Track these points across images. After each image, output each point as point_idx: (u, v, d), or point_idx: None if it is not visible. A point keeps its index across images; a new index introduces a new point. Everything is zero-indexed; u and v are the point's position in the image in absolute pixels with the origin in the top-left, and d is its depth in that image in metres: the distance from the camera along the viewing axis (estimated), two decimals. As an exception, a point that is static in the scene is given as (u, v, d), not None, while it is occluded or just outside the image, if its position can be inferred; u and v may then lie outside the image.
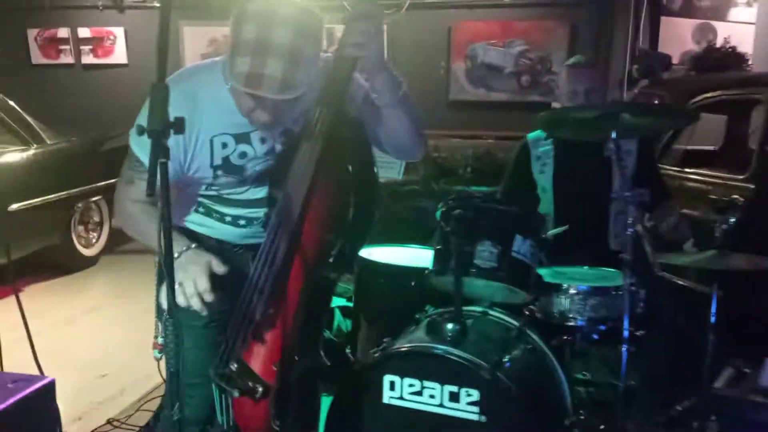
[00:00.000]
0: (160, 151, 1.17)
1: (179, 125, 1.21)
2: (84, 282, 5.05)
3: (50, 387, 1.62)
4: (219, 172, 1.68)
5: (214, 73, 1.61)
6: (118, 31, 6.96)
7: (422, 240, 3.97)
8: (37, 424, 1.59)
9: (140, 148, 1.59)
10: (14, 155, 4.57)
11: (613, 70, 6.02)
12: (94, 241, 5.32)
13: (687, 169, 3.49)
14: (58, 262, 5.04)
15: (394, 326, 2.36)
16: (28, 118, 4.83)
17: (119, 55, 7.02)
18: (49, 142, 4.83)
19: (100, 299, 4.76)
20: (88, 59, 7.09)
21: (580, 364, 2.30)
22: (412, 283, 2.46)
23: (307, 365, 1.63)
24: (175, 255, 1.49)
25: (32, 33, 7.12)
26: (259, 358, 1.68)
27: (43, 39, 7.13)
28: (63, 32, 7.06)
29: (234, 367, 1.70)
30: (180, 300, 1.50)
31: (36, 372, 2.25)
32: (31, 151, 4.68)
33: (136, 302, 4.40)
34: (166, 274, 1.22)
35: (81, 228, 5.18)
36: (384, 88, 1.62)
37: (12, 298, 4.32)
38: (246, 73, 1.44)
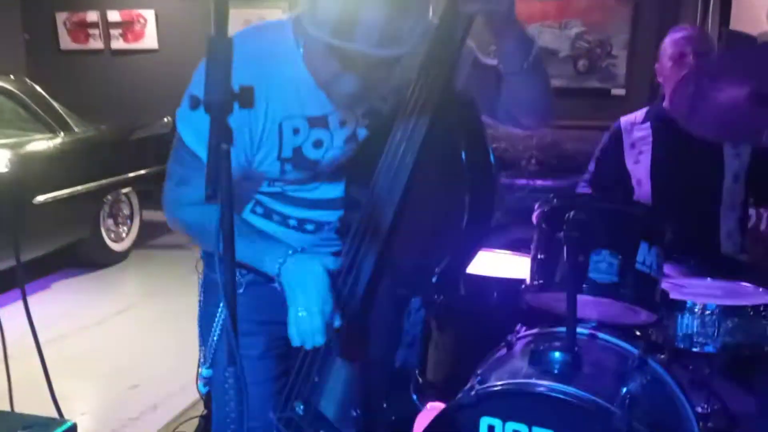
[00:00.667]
0: (222, 131, 0.80)
1: (247, 96, 0.84)
2: (114, 278, 4.78)
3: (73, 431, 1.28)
4: (287, 167, 1.31)
5: (283, 34, 1.25)
6: (149, 14, 6.65)
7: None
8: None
9: (194, 132, 1.23)
10: (41, 144, 4.30)
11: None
12: (124, 235, 5.05)
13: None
14: (86, 257, 4.78)
15: (473, 345, 2.02)
16: (56, 106, 4.56)
17: (149, 39, 6.72)
18: (77, 131, 4.56)
19: (130, 298, 4.48)
20: (117, 44, 6.80)
21: (701, 395, 1.92)
22: (495, 295, 2.10)
23: (399, 412, 1.27)
24: (276, 267, 1.17)
25: (61, 17, 6.85)
26: (334, 401, 1.32)
27: (71, 23, 6.86)
28: (92, 15, 6.78)
29: (300, 410, 1.35)
30: (299, 340, 1.20)
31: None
32: (59, 140, 4.41)
33: (169, 301, 4.12)
34: (225, 304, 0.86)
35: (110, 221, 4.90)
36: (514, 51, 1.25)
37: (32, 299, 4.07)
38: (335, 20, 1.07)
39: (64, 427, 1.27)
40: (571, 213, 1.58)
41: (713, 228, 2.30)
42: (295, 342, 1.21)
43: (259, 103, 1.21)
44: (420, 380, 2.28)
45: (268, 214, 1.42)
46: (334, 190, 1.39)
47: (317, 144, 1.31)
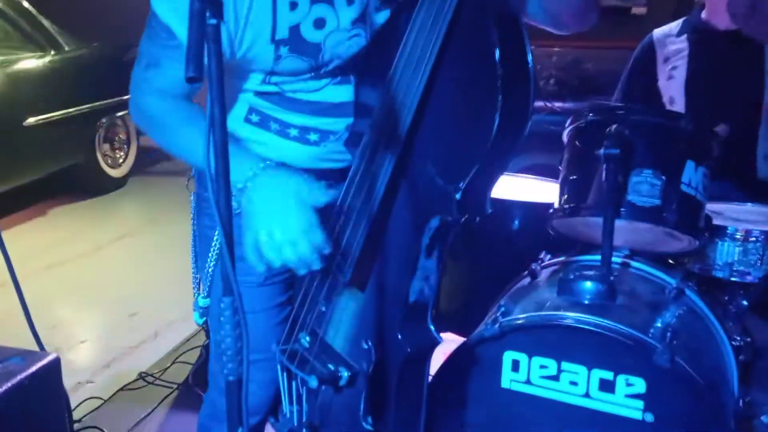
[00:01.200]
0: (206, 4, 0.63)
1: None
2: (112, 205, 4.64)
3: (54, 367, 1.15)
4: (282, 50, 1.10)
5: None
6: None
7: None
8: (39, 415, 1.13)
9: (169, 6, 1.04)
10: (29, 62, 4.08)
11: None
12: (121, 160, 4.87)
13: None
14: (83, 184, 4.62)
15: (490, 274, 1.89)
16: (45, 22, 4.29)
17: (143, -47, 6.35)
18: (67, 48, 4.31)
19: (130, 225, 4.35)
20: (109, -44, 6.43)
21: (737, 326, 1.79)
22: (515, 219, 1.95)
23: (414, 344, 1.13)
24: (239, 185, 0.98)
25: (49, -71, 6.46)
26: (342, 332, 1.19)
27: (60, -64, 6.47)
28: (82, -72, 6.39)
29: (306, 341, 1.22)
30: (272, 257, 1.01)
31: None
32: (48, 58, 4.18)
33: (169, 229, 3.99)
34: (220, 228, 0.70)
35: (107, 146, 4.72)
36: None
37: (29, 225, 3.93)
38: None
39: (46, 360, 1.13)
40: (612, 127, 1.41)
41: (750, 150, 2.12)
42: (275, 262, 1.04)
43: None
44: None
45: (264, 122, 1.23)
46: (342, 93, 1.21)
47: (319, 24, 1.11)
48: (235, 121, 1.23)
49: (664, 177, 1.43)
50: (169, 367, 2.42)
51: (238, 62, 1.12)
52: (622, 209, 1.45)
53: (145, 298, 3.15)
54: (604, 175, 1.37)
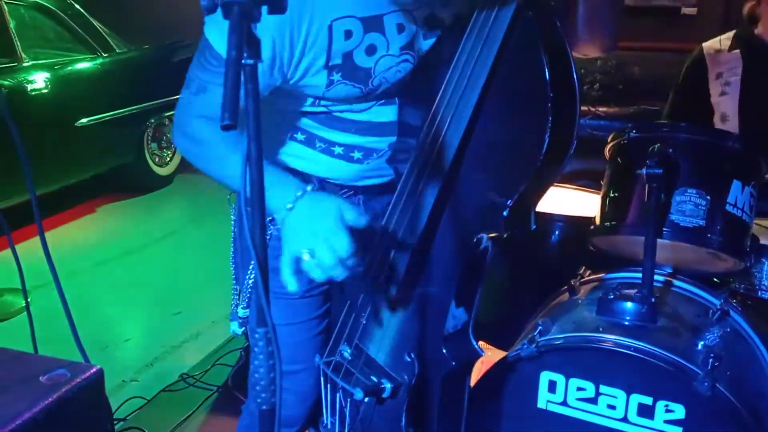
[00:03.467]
0: (243, 43, 0.64)
1: (277, 1, 0.67)
2: (159, 203, 4.75)
3: (97, 379, 1.19)
4: (335, 76, 1.13)
5: None
6: (191, -72, 6.37)
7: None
8: (83, 426, 1.17)
9: (220, 35, 1.06)
10: (81, 64, 4.20)
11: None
12: (168, 159, 4.99)
13: None
14: (131, 182, 4.76)
15: (527, 287, 1.87)
16: (97, 25, 4.42)
17: (192, -45, 6.46)
18: (117, 51, 4.43)
19: (175, 223, 4.45)
20: (160, -40, 6.57)
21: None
22: (556, 234, 1.93)
23: (458, 357, 1.14)
24: (288, 206, 1.01)
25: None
26: (384, 345, 1.20)
27: (112, -62, 6.63)
28: (133, -72, 6.53)
29: (348, 353, 1.24)
30: (316, 275, 1.02)
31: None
32: (100, 61, 4.30)
33: (213, 228, 4.07)
34: (255, 257, 0.72)
35: (154, 145, 4.83)
36: None
37: (79, 222, 4.05)
38: None
39: (89, 373, 1.17)
40: (655, 146, 1.38)
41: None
42: (319, 278, 1.05)
43: (305, 3, 1.04)
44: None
45: (310, 140, 1.25)
46: (386, 113, 1.22)
47: (370, 50, 1.12)
48: (282, 140, 1.25)
49: (709, 197, 1.40)
50: (209, 369, 2.47)
51: (290, 87, 1.14)
52: (665, 229, 1.42)
53: (188, 297, 3.23)
54: (646, 194, 1.35)
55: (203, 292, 3.24)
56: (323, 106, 1.20)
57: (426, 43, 1.16)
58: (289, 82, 1.12)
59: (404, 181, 1.15)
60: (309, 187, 1.07)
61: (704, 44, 2.20)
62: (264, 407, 0.77)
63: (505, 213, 1.05)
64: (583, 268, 1.72)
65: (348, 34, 1.09)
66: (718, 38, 2.19)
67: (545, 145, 0.99)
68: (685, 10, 5.18)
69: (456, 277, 1.14)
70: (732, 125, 2.09)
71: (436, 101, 1.09)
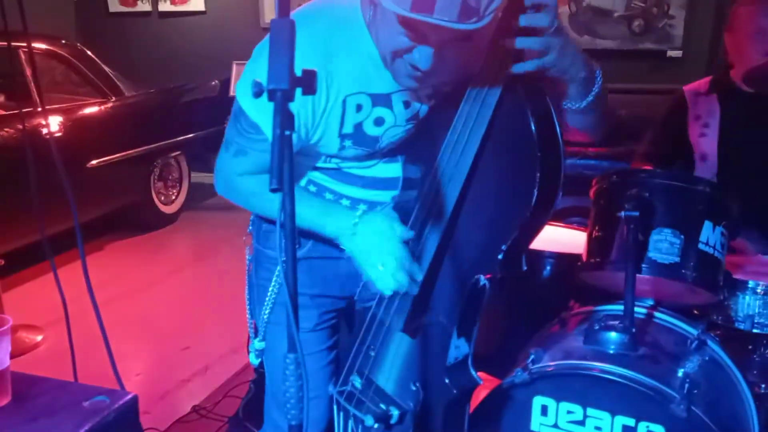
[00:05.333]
0: (285, 119, 0.79)
1: (310, 81, 0.82)
2: (165, 240, 4.89)
3: (133, 405, 1.32)
4: (347, 143, 1.30)
5: (352, 9, 1.23)
6: (196, -24, 6.64)
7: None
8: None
9: (257, 109, 1.23)
10: (93, 108, 4.37)
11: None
12: (173, 197, 5.14)
13: None
14: (138, 220, 4.89)
15: (523, 320, 2.00)
16: (107, 70, 4.61)
17: (197, 1, 6.70)
18: (127, 95, 4.60)
19: (181, 260, 4.58)
20: (165, 6, 6.80)
21: (762, 375, 1.86)
22: (548, 270, 2.07)
23: (459, 386, 1.27)
24: (350, 231, 1.23)
25: (109, -21, 6.89)
26: (392, 375, 1.33)
27: (120, -15, 6.89)
28: (140, -22, 6.80)
29: (358, 383, 1.37)
30: (392, 285, 1.21)
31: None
32: (110, 104, 4.47)
33: (218, 263, 4.21)
34: (288, 290, 0.86)
35: (160, 184, 4.99)
36: (576, 92, 1.24)
37: (91, 259, 4.18)
38: None
39: (126, 398, 1.29)
40: (633, 190, 1.54)
41: (775, 202, 2.20)
42: (391, 289, 1.22)
43: (325, 80, 1.21)
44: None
45: (320, 192, 1.41)
46: (391, 170, 1.37)
47: (378, 122, 1.29)
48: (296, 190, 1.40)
49: (683, 236, 1.55)
50: (220, 401, 2.58)
51: (308, 148, 1.31)
52: (644, 265, 1.56)
53: (195, 332, 3.34)
54: (625, 234, 1.50)
55: (210, 327, 3.35)
56: (334, 162, 1.36)
57: (425, 108, 1.32)
58: (307, 143, 1.29)
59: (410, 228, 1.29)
60: (359, 212, 1.25)
61: (685, 87, 2.37)
62: (293, 422, 0.90)
63: (500, 256, 1.18)
64: (573, 301, 1.86)
65: (359, 108, 1.26)
66: (698, 82, 2.36)
67: (534, 198, 1.13)
68: (671, 53, 5.40)
69: (456, 313, 1.27)
70: (711, 164, 2.24)
71: (438, 159, 1.24)
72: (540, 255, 2.05)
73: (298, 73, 0.83)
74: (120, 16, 6.97)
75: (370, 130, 1.29)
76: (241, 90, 1.24)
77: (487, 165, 1.18)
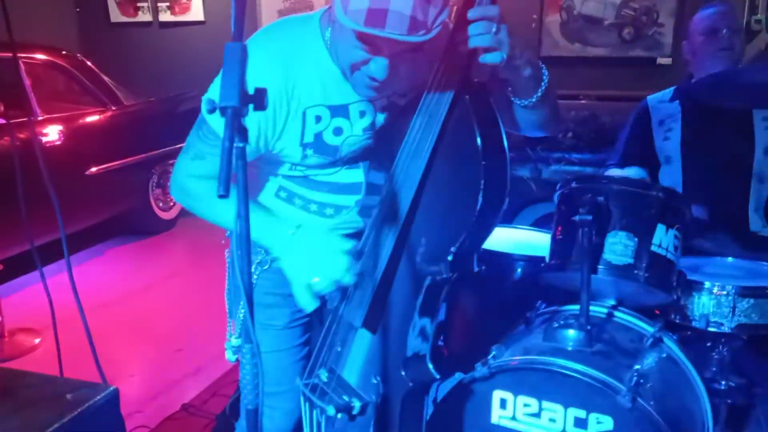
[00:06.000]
0: (235, 133, 0.88)
1: (260, 99, 0.92)
2: (162, 246, 4.99)
3: (113, 398, 1.41)
4: (308, 152, 1.39)
5: (309, 28, 1.33)
6: (195, -13, 6.77)
7: (516, 212, 3.66)
8: (101, 437, 1.39)
9: (219, 120, 1.31)
10: (92, 117, 4.48)
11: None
12: (171, 204, 5.24)
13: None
14: (136, 226, 5.00)
15: (495, 320, 2.08)
16: (106, 80, 4.72)
17: (196, 12, 6.83)
18: (126, 104, 4.72)
19: (177, 264, 4.68)
20: (165, 17, 6.94)
21: (721, 372, 1.94)
22: (518, 272, 2.16)
23: (415, 379, 1.36)
24: (283, 242, 1.30)
25: (111, -11, 7.03)
26: (354, 369, 1.42)
27: (121, -4, 7.03)
28: (141, -12, 6.93)
29: (325, 376, 1.46)
30: (329, 288, 1.28)
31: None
32: (109, 113, 4.58)
33: (213, 268, 4.22)
34: (244, 294, 0.95)
35: (158, 191, 5.09)
36: (525, 87, 1.33)
37: (87, 265, 4.29)
38: (366, 9, 1.13)
39: (107, 392, 1.39)
40: (588, 196, 1.63)
41: (743, 205, 2.30)
42: (306, 309, 1.30)
43: (285, 94, 1.30)
44: (445, 352, 2.37)
45: (290, 198, 1.50)
46: (353, 175, 1.46)
47: (337, 132, 1.38)
48: (268, 197, 1.50)
49: (636, 239, 1.63)
50: (208, 399, 2.67)
51: (272, 156, 1.40)
52: (600, 266, 1.65)
53: (189, 335, 3.43)
54: (580, 237, 1.59)
55: (203, 330, 3.44)
56: (299, 170, 1.45)
57: (381, 117, 1.41)
58: (272, 152, 1.38)
59: (368, 232, 1.38)
60: (297, 226, 1.32)
61: (649, 96, 2.48)
62: (250, 407, 0.99)
63: (449, 258, 1.27)
64: (540, 302, 1.95)
65: (318, 119, 1.36)
66: (662, 92, 2.47)
67: (479, 204, 1.22)
68: (661, 60, 5.49)
69: (413, 310, 1.36)
70: (675, 166, 2.35)
71: (394, 166, 1.33)
72: (510, 258, 2.13)
73: (252, 90, 0.92)
74: (121, 26, 7.10)
75: (330, 139, 1.38)
76: (205, 101, 1.33)
77: (438, 172, 1.27)
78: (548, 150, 3.69)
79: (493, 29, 1.21)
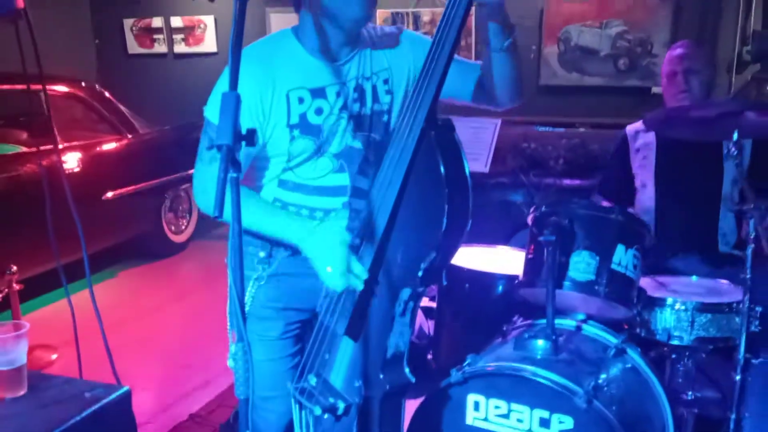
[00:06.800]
0: (229, 165, 1.08)
1: (251, 137, 1.11)
2: (173, 268, 5.18)
3: (126, 397, 1.59)
4: (295, 132, 1.58)
5: (282, 33, 1.62)
6: (209, 20, 7.06)
7: (510, 235, 3.83)
8: (114, 433, 1.57)
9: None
10: (109, 145, 4.71)
11: (720, 53, 5.57)
12: (183, 227, 5.45)
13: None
14: (149, 248, 5.19)
15: (478, 335, 2.25)
16: (122, 109, 4.96)
17: (209, 43, 7.13)
18: (141, 132, 4.95)
19: (187, 286, 4.86)
20: (180, 48, 7.24)
21: (685, 383, 2.09)
22: (500, 289, 2.33)
23: (391, 384, 1.52)
24: (308, 235, 1.49)
25: (128, 23, 7.33)
26: (340, 374, 1.59)
27: (138, 29, 7.33)
28: (157, 21, 7.23)
29: (313, 381, 1.63)
30: (339, 284, 1.46)
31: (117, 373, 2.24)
32: (125, 141, 4.81)
33: (222, 289, 4.41)
34: (236, 294, 1.13)
35: (171, 215, 5.30)
36: (499, 32, 1.55)
37: (100, 286, 4.49)
38: None
39: (121, 391, 1.57)
40: (553, 218, 1.80)
41: (712, 229, 2.45)
42: (339, 289, 1.48)
43: (271, 82, 1.54)
44: (434, 365, 2.54)
45: (284, 207, 1.67)
46: (338, 179, 1.64)
47: (318, 111, 1.59)
48: (267, 203, 1.69)
49: (598, 257, 1.81)
50: (214, 409, 2.84)
51: (266, 150, 1.60)
52: (566, 282, 1.82)
53: (197, 351, 3.60)
54: (545, 255, 1.76)
55: (211, 347, 3.61)
56: (291, 169, 1.63)
57: (356, 105, 1.63)
58: (265, 140, 1.58)
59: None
60: (315, 222, 1.52)
61: (627, 126, 2.66)
62: (242, 397, 1.17)
63: (419, 273, 1.45)
64: (517, 316, 2.11)
65: (301, 100, 1.57)
66: (639, 121, 2.65)
67: (443, 226, 1.39)
68: (655, 90, 5.67)
69: (390, 320, 1.53)
70: (650, 191, 2.52)
71: (371, 192, 1.52)
72: (493, 277, 2.31)
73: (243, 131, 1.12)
74: (138, 58, 7.42)
75: (313, 119, 1.59)
76: (208, 109, 1.56)
77: (409, 198, 1.45)
78: (540, 176, 3.88)
79: None
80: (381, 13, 6.37)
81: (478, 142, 3.69)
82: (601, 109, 5.66)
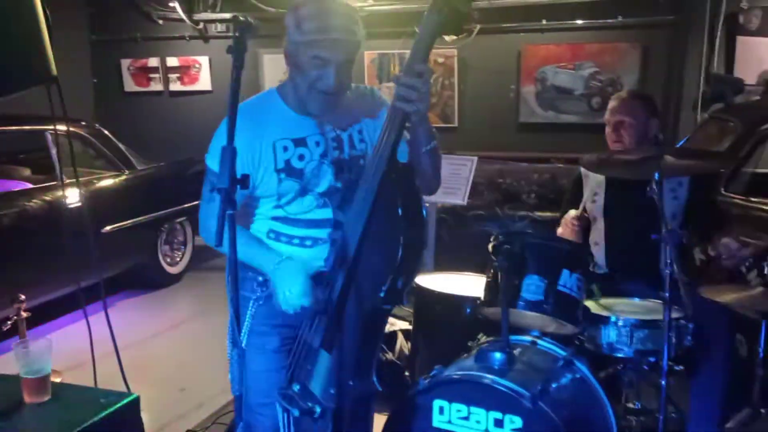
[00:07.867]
0: (227, 205, 1.35)
1: (244, 182, 1.39)
2: (169, 298, 5.39)
3: (135, 403, 1.83)
4: (282, 176, 1.85)
5: (267, 93, 1.93)
6: (203, 60, 7.40)
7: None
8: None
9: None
10: (108, 181, 4.96)
11: (685, 93, 5.93)
12: (178, 259, 5.67)
13: (753, 198, 3.45)
14: (145, 279, 5.41)
15: (448, 352, 2.49)
16: (120, 145, 5.21)
17: (204, 82, 7.45)
18: (138, 168, 5.21)
19: (182, 315, 5.08)
20: (175, 86, 7.56)
21: (632, 393, 2.35)
22: (467, 311, 2.58)
23: (361, 390, 1.77)
24: (272, 268, 1.82)
25: (125, 63, 7.66)
26: (318, 382, 1.84)
27: (135, 68, 7.66)
28: (153, 61, 7.56)
29: (297, 389, 1.87)
30: (291, 305, 1.79)
31: (123, 387, 2.48)
32: (123, 177, 5.07)
33: (216, 318, 4.67)
34: (233, 311, 1.39)
35: (166, 247, 5.54)
36: (422, 138, 1.78)
37: (98, 316, 4.73)
38: (316, 26, 1.69)
39: (131, 398, 1.81)
40: (506, 247, 2.08)
41: (655, 259, 2.71)
42: (288, 310, 1.79)
43: (258, 136, 1.82)
44: (410, 382, 2.77)
45: (278, 237, 1.94)
46: (323, 213, 1.91)
47: (301, 157, 1.87)
48: (262, 238, 1.95)
49: (546, 280, 2.08)
50: (209, 426, 3.06)
51: (257, 194, 1.88)
52: (519, 302, 2.09)
53: (192, 376, 3.82)
54: (499, 279, 2.03)
55: (205, 372, 3.82)
56: (281, 207, 1.90)
57: (336, 152, 1.90)
58: (255, 184, 1.85)
59: (326, 274, 1.83)
60: (283, 257, 1.82)
61: (581, 168, 2.94)
62: (236, 394, 1.42)
63: (381, 294, 1.71)
64: (481, 333, 2.37)
65: (285, 149, 1.86)
66: None
67: (399, 256, 1.65)
68: (626, 126, 6.02)
69: (360, 332, 1.78)
70: (600, 224, 2.78)
71: (344, 224, 1.79)
72: (459, 298, 2.57)
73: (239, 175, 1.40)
74: (134, 96, 7.73)
75: (296, 164, 1.86)
76: (209, 158, 1.84)
77: (373, 230, 1.72)
78: (514, 209, 4.16)
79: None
80: (368, 55, 6.72)
81: (457, 178, 3.98)
82: (575, 144, 5.97)
